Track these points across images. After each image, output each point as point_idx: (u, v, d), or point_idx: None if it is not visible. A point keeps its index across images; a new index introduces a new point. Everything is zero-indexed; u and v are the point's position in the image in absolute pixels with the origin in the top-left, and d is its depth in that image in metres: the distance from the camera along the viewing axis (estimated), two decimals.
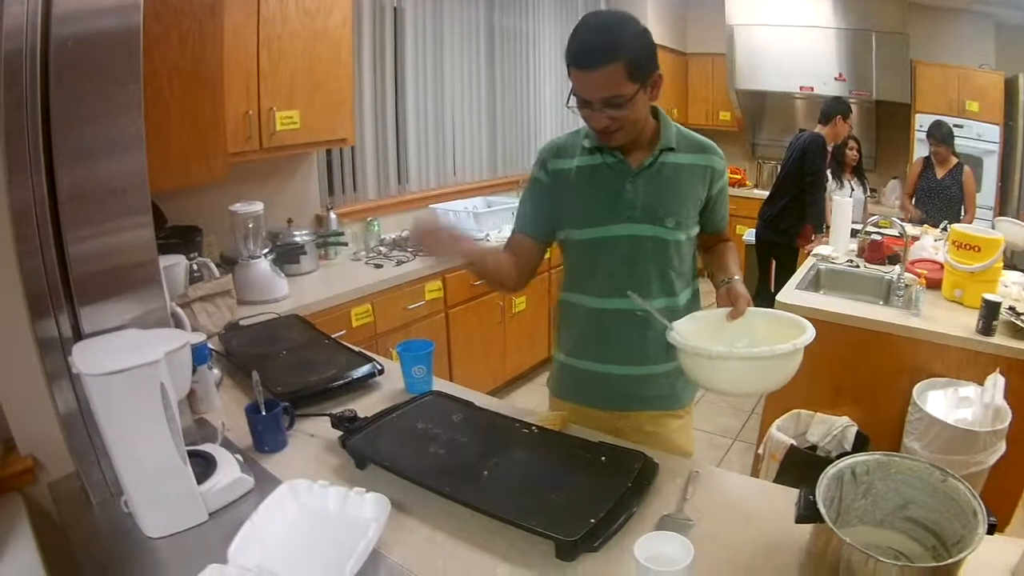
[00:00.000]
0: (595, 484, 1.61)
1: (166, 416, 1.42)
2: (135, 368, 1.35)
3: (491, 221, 4.72)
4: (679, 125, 1.96)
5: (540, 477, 1.64)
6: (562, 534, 1.39)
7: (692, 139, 1.95)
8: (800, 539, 1.43)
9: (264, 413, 1.81)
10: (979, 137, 6.54)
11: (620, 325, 1.94)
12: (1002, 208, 6.55)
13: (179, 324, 2.02)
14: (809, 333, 1.65)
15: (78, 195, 1.47)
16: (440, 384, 2.19)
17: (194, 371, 1.83)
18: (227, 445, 1.74)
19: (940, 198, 5.67)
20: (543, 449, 1.76)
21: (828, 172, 5.35)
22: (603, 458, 1.72)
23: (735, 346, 1.75)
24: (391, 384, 2.22)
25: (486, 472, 1.66)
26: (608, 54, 1.65)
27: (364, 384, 2.19)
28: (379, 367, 2.22)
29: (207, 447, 1.70)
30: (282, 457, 1.82)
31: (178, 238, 3.03)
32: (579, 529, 1.40)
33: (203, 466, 1.60)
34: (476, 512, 1.51)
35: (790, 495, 1.58)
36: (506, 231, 4.36)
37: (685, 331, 1.77)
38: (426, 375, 2.15)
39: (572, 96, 1.77)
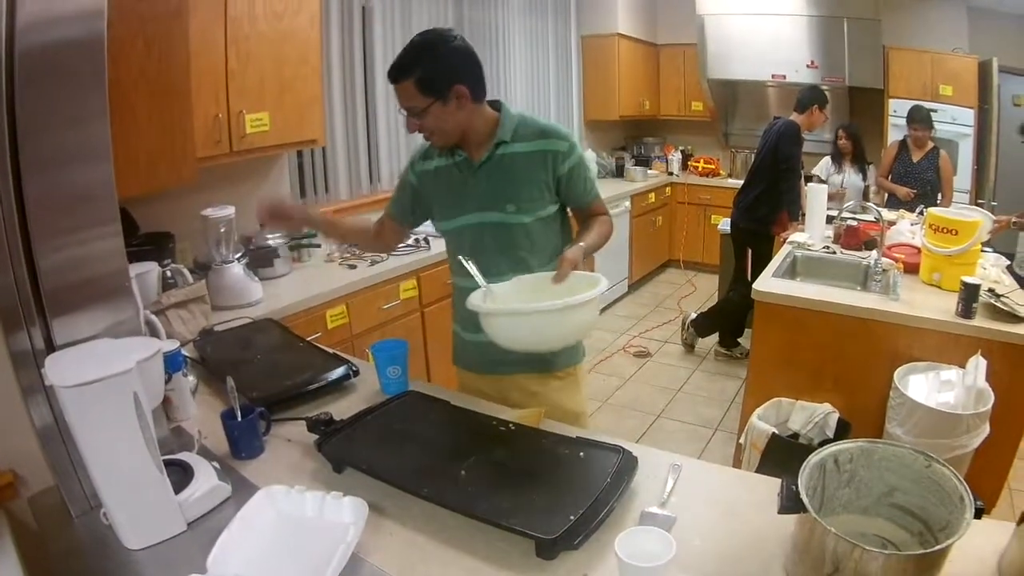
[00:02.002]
0: (574, 480, 1.59)
1: (140, 426, 1.39)
2: (107, 378, 1.33)
3: None
4: (525, 115, 2.13)
5: (518, 475, 1.63)
6: (542, 532, 1.37)
7: (534, 127, 2.09)
8: (784, 530, 1.41)
9: (240, 419, 1.78)
10: (954, 121, 6.57)
11: None
12: (978, 192, 6.60)
13: (153, 332, 2.00)
14: (587, 294, 1.74)
15: (46, 205, 1.45)
16: (416, 384, 2.16)
17: (169, 379, 1.84)
18: (204, 453, 1.72)
19: (916, 182, 5.69)
20: (521, 446, 1.73)
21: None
22: (581, 454, 1.70)
23: None
24: (367, 385, 2.20)
25: (464, 472, 1.63)
26: (401, 72, 1.92)
27: (340, 386, 2.17)
28: (354, 368, 2.20)
29: (184, 456, 1.67)
30: (259, 463, 1.79)
31: (151, 245, 3.00)
32: (559, 527, 1.38)
33: (180, 475, 1.58)
34: (455, 513, 1.49)
35: (772, 485, 1.57)
36: None
37: (501, 292, 1.92)
38: (401, 375, 2.13)
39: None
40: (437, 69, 1.93)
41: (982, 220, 3.40)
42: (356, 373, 2.20)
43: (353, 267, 3.86)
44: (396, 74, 1.93)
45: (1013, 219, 4.26)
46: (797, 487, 1.28)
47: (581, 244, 2.00)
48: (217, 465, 1.66)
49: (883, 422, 3.11)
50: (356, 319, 3.62)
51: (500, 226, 2.08)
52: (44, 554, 1.49)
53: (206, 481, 1.58)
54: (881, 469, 1.42)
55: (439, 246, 4.02)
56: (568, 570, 1.38)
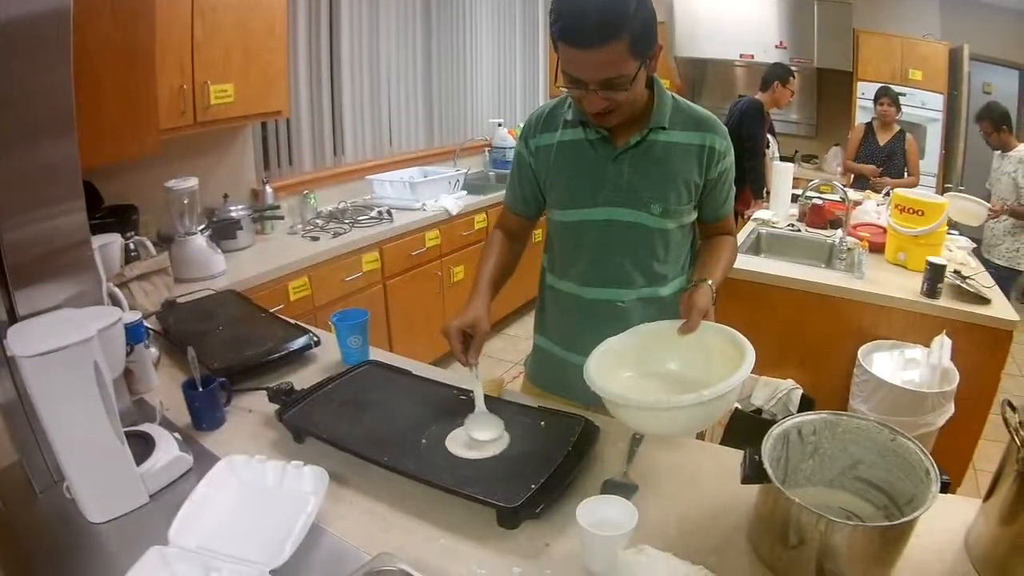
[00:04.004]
0: (535, 449, 1.57)
1: (101, 395, 1.36)
2: (67, 347, 1.30)
3: (428, 191, 4.67)
4: (676, 96, 1.77)
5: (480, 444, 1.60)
6: (503, 501, 1.35)
7: (690, 114, 1.75)
8: (747, 500, 1.40)
9: (201, 390, 1.75)
10: (923, 105, 6.62)
11: (601, 316, 1.80)
12: (946, 175, 6.66)
13: (116, 304, 1.96)
14: (736, 376, 1.45)
15: (9, 181, 1.40)
16: (378, 355, 2.13)
17: (131, 350, 1.81)
18: (166, 424, 1.69)
19: (882, 164, 5.71)
20: None
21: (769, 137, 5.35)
22: (543, 423, 1.68)
23: (666, 367, 1.68)
24: (328, 356, 2.17)
25: (424, 440, 1.61)
26: (611, 30, 1.44)
27: (301, 357, 2.14)
28: (315, 339, 2.17)
29: (145, 427, 1.64)
30: (220, 434, 1.77)
31: (114, 217, 2.97)
32: (520, 496, 1.36)
33: (142, 447, 1.55)
34: (415, 482, 1.47)
35: (736, 456, 1.54)
36: (443, 200, 4.50)
37: (620, 348, 1.67)
38: (362, 345, 2.10)
39: (560, 74, 1.57)
40: (648, 21, 1.49)
41: (947, 202, 3.43)
42: (317, 343, 2.17)
43: (316, 239, 3.84)
44: (605, 33, 1.44)
45: (1007, 206, 4.40)
46: (760, 457, 1.27)
47: (709, 282, 1.69)
48: (179, 436, 1.64)
49: (847, 399, 3.13)
50: (318, 291, 3.61)
51: (637, 228, 1.75)
52: (9, 531, 1.46)
53: (167, 452, 1.56)
54: (845, 441, 1.42)
55: (402, 219, 4.16)
56: (530, 539, 1.36)
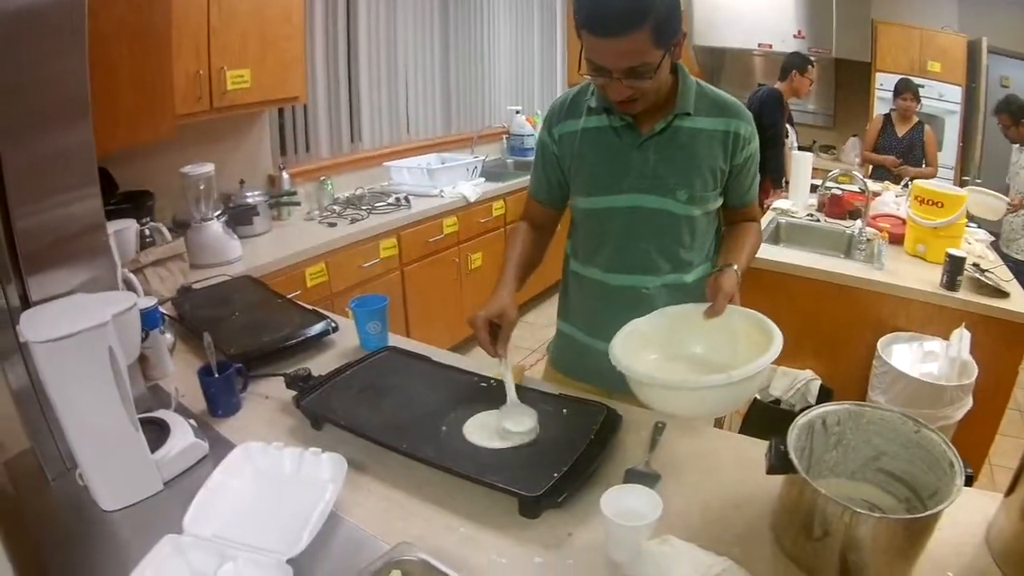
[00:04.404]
0: (557, 437, 1.55)
1: (116, 381, 1.35)
2: (81, 332, 1.28)
3: (446, 177, 4.66)
4: (700, 82, 1.75)
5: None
6: (525, 490, 1.34)
7: (714, 99, 1.73)
8: (771, 491, 1.39)
9: (217, 376, 1.74)
10: (940, 97, 6.59)
11: (625, 303, 1.78)
12: (963, 168, 6.61)
13: (131, 290, 1.95)
14: (764, 358, 1.44)
15: (24, 169, 1.39)
16: (396, 341, 2.12)
17: (146, 336, 1.78)
18: (181, 411, 1.67)
19: (900, 155, 5.68)
20: (502, 403, 1.66)
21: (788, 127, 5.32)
22: (564, 410, 1.67)
23: (692, 351, 1.67)
24: (346, 342, 2.16)
25: (444, 427, 1.60)
26: (634, 18, 1.43)
27: (318, 343, 2.13)
28: (333, 324, 2.15)
29: (160, 413, 1.62)
30: (236, 420, 1.75)
31: (129, 203, 2.97)
32: (542, 484, 1.34)
33: (156, 433, 1.54)
34: (435, 469, 1.46)
35: (758, 446, 1.56)
36: (461, 187, 4.48)
37: (646, 329, 1.66)
38: (381, 331, 2.09)
39: (584, 62, 1.55)
40: (672, 8, 1.48)
41: (967, 194, 3.42)
42: (335, 329, 2.15)
43: (333, 225, 3.83)
44: (629, 21, 1.44)
45: None
46: (786, 447, 1.25)
47: (735, 267, 1.68)
48: (194, 423, 1.62)
49: (866, 391, 3.11)
50: (335, 277, 3.60)
51: (663, 215, 1.74)
52: (20, 519, 1.45)
53: (182, 439, 1.54)
54: (869, 433, 1.40)
55: (420, 205, 4.14)
56: (552, 528, 1.35)
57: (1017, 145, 4.88)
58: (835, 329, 3.33)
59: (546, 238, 1.97)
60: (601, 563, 1.26)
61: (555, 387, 1.88)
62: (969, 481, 1.19)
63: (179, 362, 2.02)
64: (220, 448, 1.55)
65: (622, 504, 1.25)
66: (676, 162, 1.71)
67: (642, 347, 1.63)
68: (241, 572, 1.17)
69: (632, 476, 1.48)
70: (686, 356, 1.67)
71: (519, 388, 1.70)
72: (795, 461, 1.22)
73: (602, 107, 1.73)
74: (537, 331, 5.27)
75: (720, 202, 1.82)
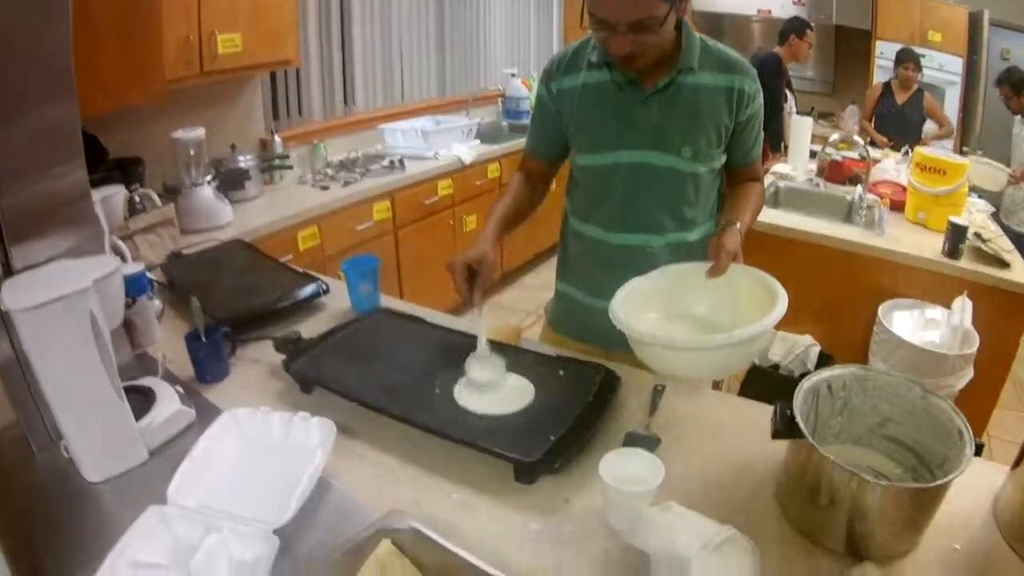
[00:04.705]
0: (554, 400, 1.51)
1: (98, 348, 1.30)
2: (62, 298, 1.24)
3: (440, 140, 4.61)
4: (704, 38, 1.71)
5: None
6: (520, 455, 1.29)
7: (719, 56, 1.69)
8: (774, 456, 1.35)
9: (204, 340, 1.70)
10: (941, 68, 6.58)
11: (627, 262, 1.73)
12: (963, 139, 6.57)
13: (120, 257, 1.92)
14: (764, 321, 1.40)
15: (6, 145, 1.34)
16: (389, 303, 2.08)
17: (133, 303, 1.76)
18: (168, 378, 1.63)
19: (899, 123, 5.65)
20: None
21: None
22: (561, 372, 1.63)
23: (693, 310, 1.64)
24: (337, 304, 2.11)
25: (437, 390, 1.56)
26: None
27: (309, 305, 2.09)
28: (324, 286, 2.11)
29: (146, 381, 1.58)
30: (225, 386, 1.71)
31: (119, 171, 2.92)
32: (538, 449, 1.30)
33: (142, 401, 1.49)
34: (427, 433, 1.42)
35: (761, 410, 1.53)
36: (456, 149, 4.45)
37: (647, 288, 1.62)
38: (373, 292, 2.05)
39: (586, 15, 1.52)
40: None
41: (969, 163, 3.40)
42: (326, 291, 2.11)
43: (326, 188, 3.80)
44: None
45: None
46: (792, 411, 1.21)
47: (738, 225, 1.64)
48: (180, 389, 1.58)
49: (866, 357, 3.09)
50: (328, 240, 3.58)
51: (667, 172, 1.70)
52: (6, 492, 1.41)
53: (168, 406, 1.50)
54: (875, 398, 1.36)
55: (414, 168, 4.11)
56: (548, 494, 1.31)
57: (1019, 117, 4.86)
58: (835, 294, 3.30)
59: (540, 193, 1.93)
60: (600, 530, 1.23)
61: (553, 348, 1.84)
62: (979, 451, 1.15)
63: (168, 329, 1.97)
64: (207, 415, 1.51)
65: (622, 469, 1.20)
66: (680, 118, 1.67)
67: (642, 306, 1.60)
68: (227, 543, 1.13)
69: (631, 439, 1.44)
70: (688, 316, 1.64)
71: (516, 350, 1.67)
72: (802, 425, 1.18)
73: (603, 62, 1.68)
74: (534, 293, 5.25)
75: (724, 160, 1.78)
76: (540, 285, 5.41)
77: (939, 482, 1.10)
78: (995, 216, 4.08)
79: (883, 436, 1.37)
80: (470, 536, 1.20)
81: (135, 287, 1.77)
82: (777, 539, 1.21)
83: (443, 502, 1.30)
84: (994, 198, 4.34)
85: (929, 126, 5.77)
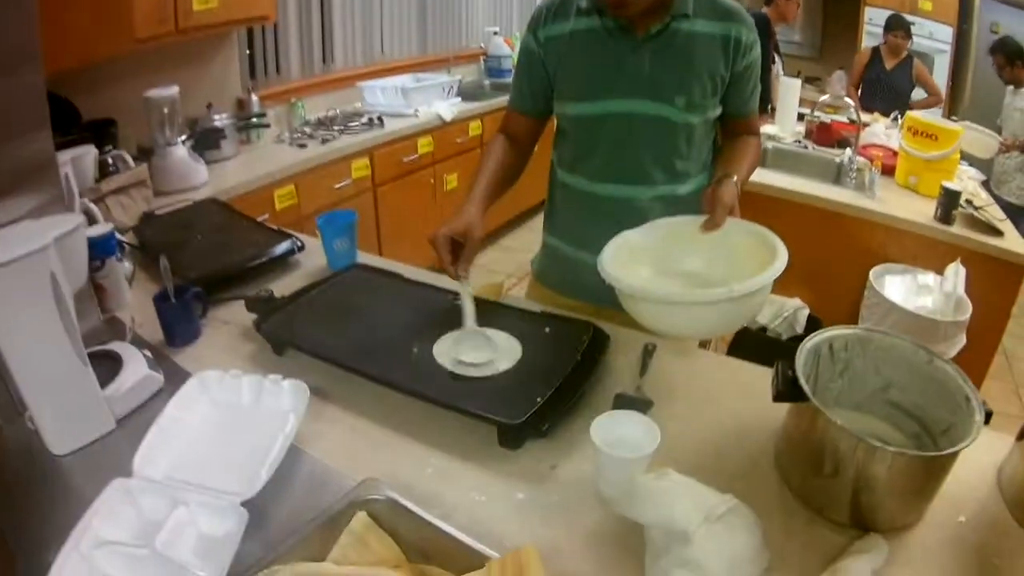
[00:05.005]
0: (540, 359, 1.44)
1: (59, 311, 1.23)
2: (20, 259, 1.16)
3: (421, 97, 4.53)
4: None
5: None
6: (504, 417, 1.21)
7: (714, 4, 1.61)
8: (774, 420, 1.29)
9: (173, 301, 1.63)
10: (931, 36, 6.58)
11: (616, 215, 1.66)
12: (952, 108, 6.55)
13: (91, 220, 1.85)
14: (764, 276, 1.33)
15: None
16: (367, 260, 1.99)
17: (102, 265, 1.71)
18: (137, 342, 1.56)
19: (888, 89, 5.61)
20: (480, 321, 1.53)
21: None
22: (547, 329, 1.55)
23: (686, 266, 1.56)
24: (313, 262, 2.04)
25: (416, 350, 1.48)
26: None
27: (284, 263, 2.01)
28: (299, 243, 2.03)
29: (114, 346, 1.50)
30: (195, 349, 1.64)
31: (91, 132, 2.83)
32: (523, 411, 1.22)
33: (109, 367, 1.42)
34: (405, 396, 1.34)
35: (757, 372, 1.49)
36: (437, 106, 4.52)
37: (637, 242, 1.54)
38: (349, 249, 1.97)
39: None
40: None
41: (962, 129, 3.38)
42: (301, 248, 2.03)
43: (303, 146, 3.72)
44: None
45: (1019, 142, 4.41)
46: (794, 372, 1.14)
47: (734, 178, 1.56)
48: (149, 353, 1.50)
49: (856, 322, 3.05)
50: (305, 199, 3.52)
51: (659, 122, 1.62)
52: None
53: (135, 372, 1.42)
54: (877, 361, 1.30)
55: (394, 125, 4.06)
56: (534, 460, 1.23)
57: (1011, 87, 4.84)
58: (825, 257, 3.25)
59: (525, 154, 1.83)
60: (590, 499, 1.16)
61: (539, 304, 1.77)
62: (988, 418, 1.09)
63: (139, 291, 1.89)
64: (177, 379, 1.42)
65: (613, 432, 1.13)
66: (673, 67, 1.59)
67: (632, 261, 1.51)
68: (193, 517, 1.07)
69: (622, 402, 1.36)
70: (680, 272, 1.56)
71: (498, 306, 1.60)
72: (806, 387, 1.11)
73: (593, 8, 1.60)
74: (516, 255, 5.20)
75: (719, 111, 1.70)
76: (521, 247, 5.36)
77: (951, 450, 1.04)
78: (985, 185, 4.09)
79: (885, 401, 1.31)
80: (451, 506, 1.13)
81: (103, 248, 1.71)
82: (779, 509, 1.15)
83: (422, 469, 1.23)
84: (983, 167, 4.34)
85: (918, 94, 5.72)
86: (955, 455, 1.04)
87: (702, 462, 1.23)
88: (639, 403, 1.35)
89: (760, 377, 1.45)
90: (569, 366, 1.37)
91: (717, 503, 1.00)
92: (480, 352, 1.46)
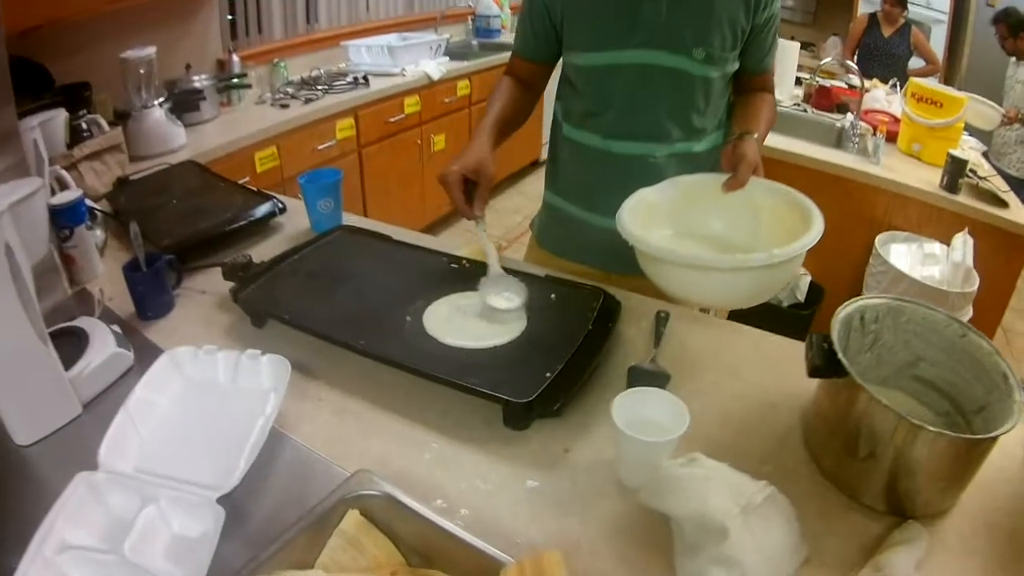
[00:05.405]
0: (547, 329, 1.32)
1: (15, 285, 1.11)
2: None
3: (407, 56, 4.43)
4: None
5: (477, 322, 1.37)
6: (512, 395, 1.09)
7: None
8: (799, 395, 1.21)
9: (145, 270, 1.51)
10: (928, 5, 6.52)
11: (628, 173, 1.57)
12: (948, 78, 6.50)
13: (63, 188, 1.74)
14: (804, 240, 1.24)
15: None
16: (352, 222, 1.88)
17: (70, 234, 1.61)
18: (106, 316, 1.45)
19: (884, 57, 5.52)
20: (477, 285, 1.43)
21: None
22: (553, 295, 1.44)
23: (707, 228, 1.46)
24: (295, 224, 1.92)
25: (409, 319, 1.36)
26: None
27: (264, 227, 1.89)
28: (280, 205, 1.91)
29: (81, 322, 1.39)
30: (168, 322, 1.51)
31: (64, 96, 2.72)
32: (533, 387, 1.10)
33: (75, 346, 1.30)
34: (399, 371, 1.22)
35: (778, 343, 1.41)
36: (424, 65, 4.43)
37: (655, 200, 1.44)
38: (334, 209, 1.85)
39: None
40: None
41: (967, 98, 3.32)
42: (282, 210, 1.91)
43: (286, 106, 3.62)
44: None
45: (1021, 114, 4.38)
46: (832, 345, 1.04)
47: (755, 135, 1.48)
48: (118, 328, 1.39)
49: (859, 290, 3.02)
50: (288, 161, 3.42)
51: (676, 75, 1.52)
52: None
53: (103, 350, 1.30)
54: (908, 333, 1.20)
55: (379, 84, 4.09)
56: (544, 444, 1.12)
57: (1013, 58, 4.78)
58: (828, 223, 3.13)
59: (532, 97, 1.72)
60: (609, 487, 1.05)
61: (540, 268, 1.64)
62: None
63: (111, 262, 1.76)
64: (149, 356, 1.30)
65: (636, 412, 1.01)
66: (692, 14, 1.48)
67: (650, 221, 1.41)
68: (165, 516, 0.96)
69: (637, 376, 1.25)
70: (700, 234, 1.46)
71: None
72: (845, 362, 1.01)
73: None
74: (504, 218, 5.14)
75: (736, 66, 1.59)
76: (511, 209, 5.30)
77: (997, 432, 0.95)
78: (985, 156, 4.06)
79: (913, 377, 1.22)
80: (455, 497, 1.02)
81: (72, 217, 1.61)
82: (812, 495, 1.04)
83: (420, 455, 1.11)
84: (983, 138, 4.29)
85: (915, 63, 5.64)
86: (995, 438, 0.95)
87: (727, 442, 1.13)
88: (656, 377, 1.25)
89: (781, 347, 1.38)
90: (580, 337, 1.25)
91: (754, 492, 0.90)
92: (510, 297, 1.37)
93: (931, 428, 0.93)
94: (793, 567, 0.89)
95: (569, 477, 1.06)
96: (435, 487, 1.03)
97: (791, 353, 1.35)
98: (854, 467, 1.03)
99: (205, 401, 1.21)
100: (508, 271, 1.45)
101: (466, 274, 1.47)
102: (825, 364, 1.03)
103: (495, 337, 1.30)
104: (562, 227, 1.79)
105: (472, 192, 1.40)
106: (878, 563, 0.91)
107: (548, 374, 1.13)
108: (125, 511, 0.96)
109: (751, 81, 1.66)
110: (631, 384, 1.22)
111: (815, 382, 1.13)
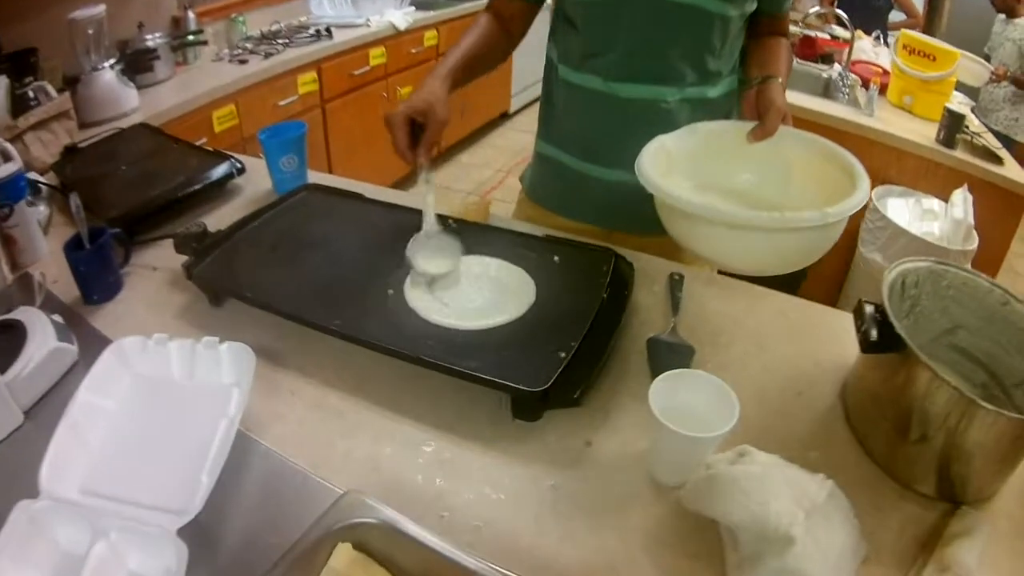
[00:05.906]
0: (554, 300, 1.16)
1: None
2: None
3: (371, 6, 4.33)
4: None
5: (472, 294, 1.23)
6: (522, 382, 0.93)
7: None
8: (838, 368, 1.11)
9: (87, 248, 1.35)
10: None
11: (636, 119, 1.44)
12: (928, 32, 6.38)
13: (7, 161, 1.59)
14: (858, 196, 1.10)
15: None
16: (319, 180, 1.72)
17: (10, 212, 1.46)
18: (51, 304, 1.30)
19: (865, 9, 5.37)
20: (469, 251, 1.29)
21: None
22: (556, 258, 1.28)
23: (730, 181, 1.34)
24: (256, 186, 1.76)
25: (391, 292, 1.19)
26: None
27: (221, 191, 1.73)
28: (238, 165, 1.75)
29: (19, 313, 1.22)
30: (116, 306, 1.34)
31: (11, 63, 2.60)
32: (547, 372, 0.94)
33: (11, 343, 1.14)
34: (384, 355, 1.06)
35: (807, 308, 1.29)
36: (389, 15, 4.31)
37: (673, 148, 1.30)
38: (298, 167, 1.70)
39: None
40: None
41: (959, 52, 3.25)
42: (241, 171, 1.75)
43: (244, 62, 3.48)
44: None
45: (1010, 73, 4.37)
46: (887, 315, 0.91)
47: (780, 80, 1.35)
48: (59, 318, 1.23)
49: (854, 247, 2.97)
50: (247, 119, 3.29)
51: (693, 11, 1.36)
52: None
53: (42, 345, 1.14)
54: (947, 300, 1.11)
55: (343, 36, 3.95)
56: (561, 436, 0.98)
57: (1002, 16, 4.75)
58: None
59: (513, 37, 1.57)
60: (644, 485, 0.91)
61: (534, 226, 1.50)
62: None
63: (57, 240, 1.56)
64: (95, 349, 1.13)
65: (672, 399, 0.87)
66: None
67: (669, 171, 1.26)
68: (117, 552, 0.80)
69: (657, 349, 1.11)
70: (724, 187, 1.33)
71: (489, 230, 1.36)
72: (905, 336, 0.89)
73: None
74: (473, 172, 5.05)
75: (755, 6, 1.44)
76: (480, 162, 5.21)
77: None
78: (972, 112, 4.00)
79: (949, 346, 1.13)
80: (464, 510, 0.87)
81: (11, 192, 1.47)
82: (864, 484, 0.92)
83: (415, 458, 0.96)
84: (970, 94, 4.26)
85: (895, 16, 5.56)
86: None
87: (767, 425, 1.00)
88: (678, 350, 1.11)
89: (806, 313, 1.27)
90: (594, 308, 1.08)
91: (816, 490, 0.78)
92: (442, 257, 1.23)
93: (990, 407, 0.83)
94: (854, 568, 0.79)
95: (593, 474, 0.92)
96: (438, 499, 0.88)
97: (818, 319, 1.24)
98: (907, 451, 0.92)
99: (158, 401, 1.04)
100: (499, 230, 1.33)
101: (451, 234, 1.30)
102: (884, 338, 0.91)
103: (496, 311, 1.15)
104: (558, 180, 1.63)
105: (420, 137, 1.26)
106: (943, 560, 0.81)
107: (563, 354, 0.98)
108: (75, 545, 0.81)
109: (768, 24, 1.51)
110: (652, 359, 1.08)
111: (852, 353, 1.06)
